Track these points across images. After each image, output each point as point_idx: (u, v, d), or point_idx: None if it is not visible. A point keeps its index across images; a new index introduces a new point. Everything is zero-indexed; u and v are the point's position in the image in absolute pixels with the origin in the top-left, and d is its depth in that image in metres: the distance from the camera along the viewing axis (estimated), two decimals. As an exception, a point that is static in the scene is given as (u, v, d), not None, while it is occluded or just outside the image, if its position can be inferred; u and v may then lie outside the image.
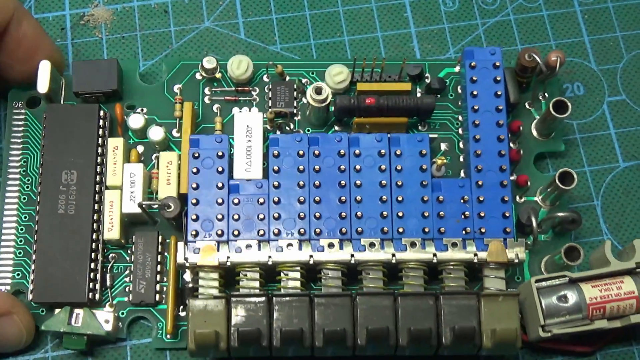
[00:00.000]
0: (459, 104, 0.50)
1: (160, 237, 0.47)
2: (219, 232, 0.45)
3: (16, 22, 0.47)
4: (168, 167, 0.47)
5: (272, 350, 0.44)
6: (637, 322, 0.44)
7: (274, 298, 0.44)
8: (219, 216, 0.45)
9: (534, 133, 0.50)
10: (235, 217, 0.45)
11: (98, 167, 0.47)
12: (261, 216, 0.45)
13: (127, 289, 0.47)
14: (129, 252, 0.48)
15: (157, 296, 0.47)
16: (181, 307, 0.47)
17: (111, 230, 0.46)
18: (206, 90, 0.50)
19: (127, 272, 0.47)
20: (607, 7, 0.53)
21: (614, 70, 0.52)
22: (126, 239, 0.48)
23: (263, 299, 0.44)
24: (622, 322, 0.45)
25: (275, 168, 0.46)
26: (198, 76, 0.50)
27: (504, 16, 0.52)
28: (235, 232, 0.45)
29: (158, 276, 0.47)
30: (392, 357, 0.46)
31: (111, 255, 0.48)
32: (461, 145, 0.50)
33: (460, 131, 0.50)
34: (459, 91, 0.51)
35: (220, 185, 0.45)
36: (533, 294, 0.44)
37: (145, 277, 0.47)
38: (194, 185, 0.45)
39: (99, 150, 0.47)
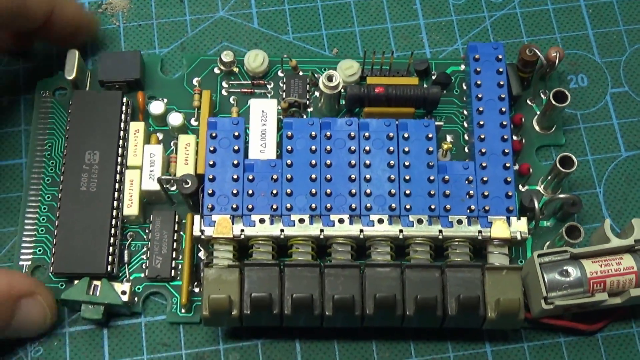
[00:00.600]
0: (464, 99, 0.53)
1: (177, 216, 0.49)
2: (234, 206, 0.47)
3: (59, 8, 0.49)
4: (186, 148, 0.49)
5: (283, 319, 0.46)
6: (636, 296, 0.46)
7: (285, 268, 0.46)
8: (234, 191, 0.47)
9: (536, 127, 0.53)
10: (250, 192, 0.47)
11: (120, 148, 0.49)
12: (274, 192, 0.47)
13: (143, 266, 0.49)
14: (146, 230, 0.50)
15: (173, 272, 0.48)
16: (195, 283, 0.49)
17: (130, 207, 0.48)
18: (224, 84, 0.53)
19: (145, 249, 0.49)
20: (611, 1, 0.55)
21: (617, 63, 0.55)
22: (144, 218, 0.50)
23: (275, 267, 0.46)
24: (622, 297, 0.46)
25: (289, 148, 0.48)
26: (216, 70, 0.53)
27: (511, 9, 0.55)
28: (250, 207, 0.47)
29: (174, 253, 0.49)
30: (400, 330, 0.47)
31: (129, 233, 0.50)
32: (466, 137, 0.52)
33: (465, 124, 0.52)
34: (464, 87, 0.53)
35: (235, 162, 0.48)
36: (535, 268, 0.46)
37: (162, 252, 0.49)
38: (211, 163, 0.48)
39: (121, 133, 0.50)
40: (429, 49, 0.54)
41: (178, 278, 0.49)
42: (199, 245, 0.49)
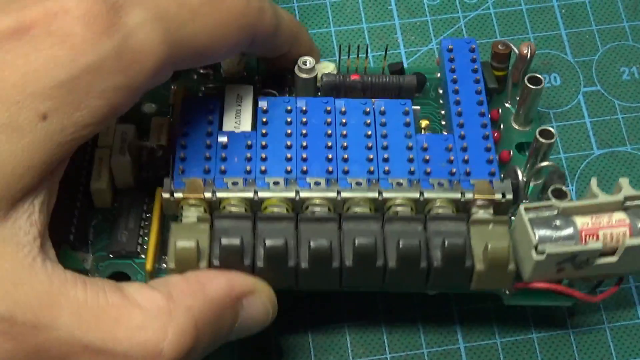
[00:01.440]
0: (441, 102, 0.53)
1: (146, 198, 0.47)
2: (206, 169, 0.45)
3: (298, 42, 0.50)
4: (160, 129, 0.48)
5: (255, 272, 0.42)
6: (632, 247, 0.43)
7: (258, 220, 0.43)
8: (207, 155, 0.46)
9: (514, 125, 0.52)
10: (223, 156, 0.46)
11: (91, 129, 0.48)
12: (248, 156, 0.46)
13: (107, 246, 0.46)
14: (113, 212, 0.47)
15: (139, 248, 0.46)
16: (162, 257, 0.46)
17: (98, 181, 0.46)
18: (201, 87, 0.53)
19: (110, 228, 0.47)
20: (584, 2, 0.57)
21: (589, 62, 0.55)
22: (113, 200, 0.48)
23: (247, 219, 0.43)
24: (618, 253, 0.43)
25: (264, 120, 0.47)
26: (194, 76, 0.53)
27: (485, 10, 0.57)
28: (222, 169, 0.45)
29: (141, 230, 0.46)
30: (375, 322, 0.46)
31: (97, 212, 0.47)
32: (444, 133, 0.52)
33: (443, 122, 0.52)
34: (440, 91, 0.53)
35: (209, 131, 0.47)
36: (523, 220, 0.43)
37: (128, 227, 0.46)
38: (184, 131, 0.47)
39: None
40: (404, 49, 0.55)
41: (143, 256, 0.46)
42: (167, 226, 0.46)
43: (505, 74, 0.53)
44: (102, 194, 0.47)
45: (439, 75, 0.54)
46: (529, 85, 0.50)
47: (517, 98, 0.53)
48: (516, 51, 0.52)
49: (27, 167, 0.37)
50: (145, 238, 0.46)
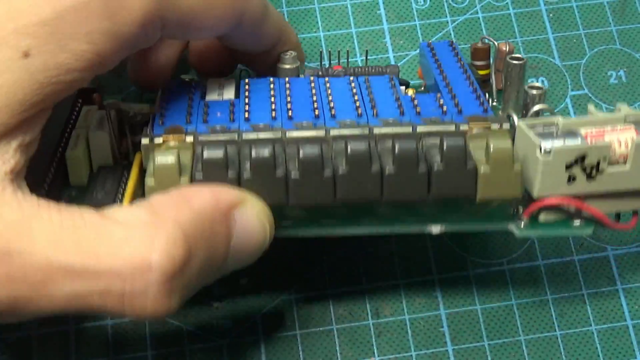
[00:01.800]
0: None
1: (125, 171, 0.45)
2: (187, 120, 0.43)
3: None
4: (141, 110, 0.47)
5: (241, 186, 0.39)
6: (644, 144, 0.40)
7: (243, 143, 0.41)
8: (188, 110, 0.44)
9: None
10: (205, 110, 0.44)
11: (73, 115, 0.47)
12: (231, 109, 0.44)
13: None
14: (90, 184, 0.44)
15: (116, 205, 0.42)
16: (141, 210, 0.42)
17: (74, 149, 0.44)
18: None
19: (86, 195, 0.43)
20: (572, 6, 0.58)
21: (576, 66, 0.56)
22: (89, 177, 0.45)
23: (233, 142, 0.40)
24: (629, 159, 0.40)
25: (247, 87, 0.46)
26: (176, 96, 0.53)
27: (473, 14, 0.57)
28: (205, 119, 0.43)
29: (119, 194, 0.43)
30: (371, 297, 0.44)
31: (72, 189, 0.44)
32: (434, 123, 0.50)
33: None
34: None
35: (191, 96, 0.45)
36: (523, 131, 0.41)
37: (105, 189, 0.43)
38: (164, 98, 0.45)
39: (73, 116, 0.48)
40: (392, 53, 0.55)
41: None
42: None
43: (487, 72, 0.53)
44: (78, 163, 0.44)
45: (422, 88, 0.54)
46: (511, 61, 0.50)
47: (503, 91, 0.53)
48: (495, 44, 0.52)
49: (4, 105, 0.35)
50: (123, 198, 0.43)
